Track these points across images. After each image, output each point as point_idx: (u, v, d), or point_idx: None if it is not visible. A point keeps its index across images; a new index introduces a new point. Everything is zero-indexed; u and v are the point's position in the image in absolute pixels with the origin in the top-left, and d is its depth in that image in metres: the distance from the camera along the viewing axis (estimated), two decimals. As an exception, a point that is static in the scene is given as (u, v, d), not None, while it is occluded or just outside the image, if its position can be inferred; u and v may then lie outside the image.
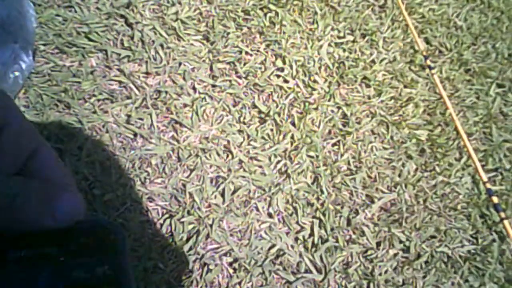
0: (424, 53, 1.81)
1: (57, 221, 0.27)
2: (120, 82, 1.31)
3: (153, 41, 1.41)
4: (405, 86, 1.71)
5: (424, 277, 1.34)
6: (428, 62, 1.78)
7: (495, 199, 1.50)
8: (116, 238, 0.29)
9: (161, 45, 1.41)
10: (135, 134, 1.25)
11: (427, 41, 1.93)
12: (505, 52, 2.05)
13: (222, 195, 1.25)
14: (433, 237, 1.42)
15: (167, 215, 1.19)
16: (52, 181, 0.29)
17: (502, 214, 1.47)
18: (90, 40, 1.34)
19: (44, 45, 1.31)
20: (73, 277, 0.26)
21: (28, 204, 0.26)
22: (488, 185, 1.53)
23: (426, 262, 1.36)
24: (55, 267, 0.27)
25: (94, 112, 1.24)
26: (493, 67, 1.96)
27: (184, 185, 1.23)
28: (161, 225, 1.18)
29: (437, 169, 1.56)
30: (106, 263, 0.28)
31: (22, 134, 0.29)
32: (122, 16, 1.42)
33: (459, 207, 1.51)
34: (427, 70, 1.78)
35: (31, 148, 0.29)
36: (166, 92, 1.33)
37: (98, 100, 1.26)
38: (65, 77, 1.26)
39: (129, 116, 1.27)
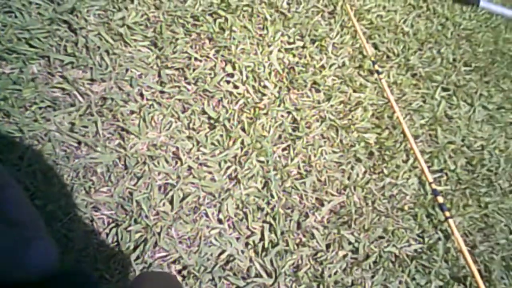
0: (373, 58, 1.86)
1: (29, 273, 0.25)
2: (63, 89, 1.28)
3: (99, 47, 1.38)
4: (354, 91, 1.75)
5: (372, 277, 1.37)
6: (376, 67, 1.83)
7: (440, 199, 1.56)
8: None
9: (107, 51, 1.39)
10: (79, 142, 1.22)
11: (375, 47, 1.98)
12: (450, 57, 2.13)
13: (171, 202, 1.24)
14: (381, 237, 1.45)
15: (113, 224, 1.17)
16: (21, 225, 0.27)
17: (447, 213, 1.53)
18: (32, 46, 1.30)
19: (-18, 51, 1.26)
20: None
21: None
22: (434, 186, 1.59)
23: (374, 262, 1.39)
24: None
25: (36, 121, 1.20)
26: (438, 71, 2.03)
27: (131, 193, 1.21)
28: (107, 234, 1.16)
29: (385, 171, 1.60)
30: None
31: None
32: (65, 21, 1.39)
33: (406, 207, 1.55)
34: (375, 75, 1.83)
35: None
36: (112, 99, 1.31)
37: (40, 108, 1.23)
38: (4, 84, 1.22)
39: (73, 124, 1.23)
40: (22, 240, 0.25)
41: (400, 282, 1.40)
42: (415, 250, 1.48)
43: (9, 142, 1.16)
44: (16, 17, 1.33)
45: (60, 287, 0.27)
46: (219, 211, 1.28)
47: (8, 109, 1.19)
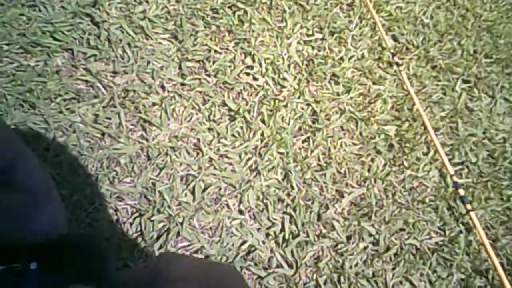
0: (392, 50, 1.84)
1: (37, 236, 0.26)
2: (86, 81, 1.30)
3: (120, 40, 1.40)
4: (374, 83, 1.74)
5: (393, 268, 1.37)
6: (396, 59, 1.82)
7: (461, 192, 1.54)
8: (97, 252, 0.29)
9: (129, 44, 1.40)
10: (103, 134, 1.24)
11: (394, 39, 1.96)
12: (471, 49, 2.10)
13: (193, 193, 1.25)
14: (402, 229, 1.45)
15: (136, 214, 1.18)
16: (32, 192, 0.28)
17: (469, 206, 1.51)
18: (55, 39, 1.32)
19: (7, 44, 1.28)
20: None
21: (9, 218, 0.25)
22: (455, 178, 1.57)
23: (395, 254, 1.39)
24: (37, 283, 0.26)
25: (61, 112, 1.22)
26: (458, 63, 2.01)
27: (153, 184, 1.22)
28: (131, 224, 1.17)
29: (405, 163, 1.59)
30: (91, 274, 0.27)
31: None
32: (88, 15, 1.41)
33: (427, 200, 1.54)
34: (395, 67, 1.82)
35: (8, 159, 0.28)
36: (134, 91, 1.32)
37: (65, 99, 1.25)
38: (30, 77, 1.24)
39: (96, 115, 1.25)
40: (30, 205, 0.27)
41: (421, 275, 1.40)
42: (436, 243, 1.47)
43: (35, 133, 1.18)
44: (40, 10, 1.36)
45: (65, 250, 0.28)
46: (240, 202, 1.29)
47: (33, 100, 1.21)
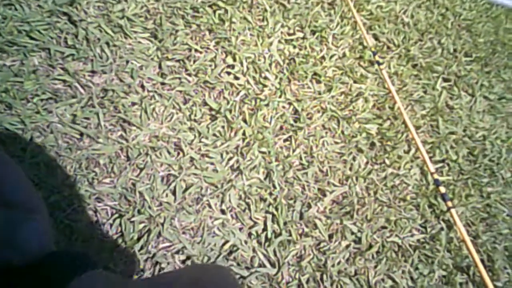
0: (373, 49, 1.85)
1: (23, 255, 0.24)
2: (64, 81, 1.27)
3: (99, 39, 1.38)
4: (355, 82, 1.75)
5: (375, 266, 1.37)
6: (377, 57, 1.83)
7: (442, 189, 1.56)
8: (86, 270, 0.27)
9: (107, 43, 1.38)
10: (82, 134, 1.22)
11: (375, 37, 1.97)
12: (451, 48, 2.13)
13: (174, 193, 1.24)
14: (383, 227, 1.45)
15: (116, 215, 1.17)
16: (17, 206, 0.27)
17: (449, 203, 1.53)
18: (32, 38, 1.29)
19: (-18, 44, 1.25)
20: None
21: None
22: (436, 176, 1.59)
23: (377, 252, 1.39)
24: None
25: (38, 112, 1.20)
26: (439, 62, 2.03)
27: (134, 184, 1.20)
28: (111, 225, 1.16)
29: (387, 161, 1.60)
30: None
31: None
32: (65, 13, 1.38)
33: (408, 197, 1.55)
34: (376, 66, 1.83)
35: None
36: (113, 91, 1.31)
37: (42, 100, 1.22)
38: (5, 76, 1.22)
39: (74, 115, 1.23)
40: (14, 221, 0.25)
41: (403, 272, 1.41)
42: (418, 240, 1.48)
43: (12, 134, 1.16)
44: (16, 9, 1.33)
45: (53, 268, 0.26)
46: (222, 201, 1.28)
47: (10, 101, 1.19)
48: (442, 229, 1.54)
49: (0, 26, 1.29)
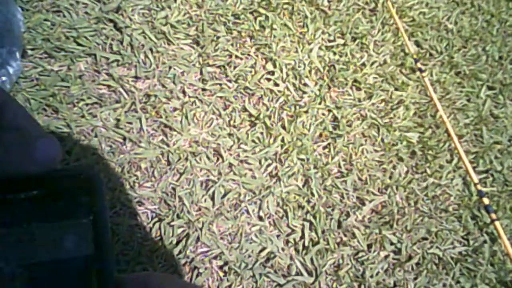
0: (415, 56, 1.82)
1: (38, 165, 0.27)
2: (109, 86, 1.31)
3: (143, 45, 1.41)
4: (396, 89, 1.72)
5: (415, 278, 1.34)
6: (419, 65, 1.79)
7: (486, 201, 1.51)
8: (93, 183, 0.31)
9: (151, 49, 1.41)
10: (124, 138, 1.25)
11: (417, 44, 1.94)
12: (496, 55, 2.06)
13: (212, 198, 1.25)
14: (424, 238, 1.42)
15: (156, 219, 1.19)
16: (26, 130, 0.30)
17: (493, 216, 1.48)
18: (79, 44, 1.34)
19: (32, 49, 1.30)
20: (51, 216, 0.28)
21: (9, 153, 0.27)
22: (479, 187, 1.54)
23: (417, 263, 1.36)
24: (38, 209, 0.28)
25: (83, 117, 1.24)
26: (483, 69, 1.97)
27: (174, 189, 1.22)
28: (151, 228, 1.18)
29: (428, 171, 1.56)
30: (85, 206, 0.29)
31: None
32: (111, 20, 1.42)
33: (450, 208, 1.51)
34: (418, 73, 1.79)
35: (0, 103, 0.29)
36: (156, 96, 1.33)
37: (87, 104, 1.26)
38: (53, 81, 1.26)
39: (118, 120, 1.26)
40: (30, 139, 0.28)
41: (444, 285, 1.37)
42: (460, 253, 1.44)
43: (58, 138, 1.19)
44: (64, 16, 1.38)
45: (64, 180, 0.30)
46: (260, 208, 1.28)
47: (56, 105, 1.23)
48: (485, 241, 1.49)
49: (48, 32, 1.34)
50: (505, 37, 2.16)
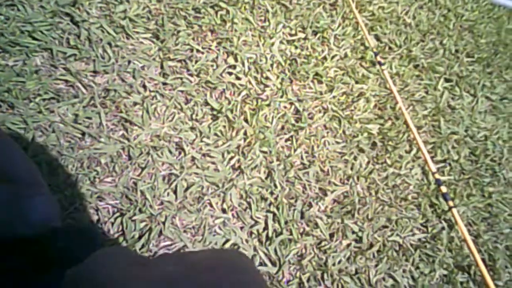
0: (374, 50, 1.85)
1: (31, 227, 0.25)
2: (66, 81, 1.28)
3: (101, 40, 1.39)
4: (356, 82, 1.75)
5: (376, 265, 1.37)
6: (378, 58, 1.83)
7: (443, 189, 1.56)
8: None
9: (109, 44, 1.39)
10: (83, 133, 1.22)
11: (377, 38, 1.98)
12: (452, 48, 2.13)
13: (175, 192, 1.24)
14: (384, 227, 1.45)
15: (118, 214, 1.17)
16: (22, 183, 0.27)
17: (451, 203, 1.53)
18: (34, 39, 1.30)
19: (-15, 44, 1.26)
20: None
21: (1, 211, 0.24)
22: (437, 176, 1.59)
23: (378, 251, 1.39)
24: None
25: (40, 112, 1.21)
26: (440, 62, 2.03)
27: (135, 183, 1.21)
28: (112, 223, 1.16)
29: (388, 161, 1.60)
30: None
31: None
32: (67, 14, 1.39)
33: (409, 197, 1.56)
34: (378, 66, 1.83)
35: None
36: (115, 91, 1.31)
37: (44, 99, 1.23)
38: (8, 76, 1.23)
39: (76, 115, 1.24)
40: (23, 196, 0.26)
41: (404, 271, 1.41)
42: (419, 240, 1.48)
43: (14, 134, 1.16)
44: (18, 10, 1.34)
45: (60, 242, 0.28)
46: (223, 201, 1.29)
47: (12, 100, 1.20)
48: (443, 228, 1.54)
49: (2, 26, 1.30)
50: (461, 31, 2.23)
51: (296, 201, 1.38)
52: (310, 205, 1.39)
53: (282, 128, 1.51)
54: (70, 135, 1.21)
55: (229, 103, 1.46)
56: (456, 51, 2.13)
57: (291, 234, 1.31)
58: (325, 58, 1.75)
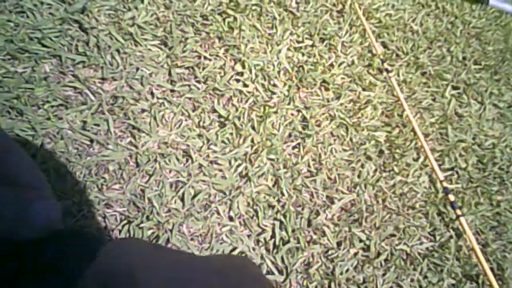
0: (382, 57, 1.85)
1: (31, 230, 0.25)
2: (75, 88, 1.29)
3: (109, 46, 1.40)
4: (364, 89, 1.75)
5: (384, 274, 1.36)
6: (386, 65, 1.83)
7: (451, 197, 1.55)
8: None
9: (118, 51, 1.40)
10: (91, 140, 1.23)
11: (384, 45, 1.98)
12: (460, 55, 2.12)
13: (182, 199, 1.24)
14: (392, 235, 1.45)
15: (125, 221, 1.17)
16: (25, 186, 0.28)
17: (458, 211, 1.52)
18: (43, 46, 1.31)
19: (-5, 51, 1.27)
20: None
21: (2, 213, 0.25)
22: (445, 184, 1.58)
23: (385, 260, 1.39)
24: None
25: (48, 119, 1.21)
26: (448, 70, 2.03)
27: (142, 191, 1.21)
28: (120, 231, 1.16)
29: (396, 169, 1.59)
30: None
31: None
32: (76, 21, 1.40)
33: (417, 205, 1.55)
34: (385, 73, 1.83)
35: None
36: (123, 98, 1.32)
37: (52, 106, 1.24)
38: (17, 83, 1.23)
39: (84, 122, 1.24)
40: (25, 199, 0.26)
41: (412, 280, 1.40)
42: (427, 248, 1.47)
43: (23, 140, 1.17)
44: (28, 17, 1.35)
45: (62, 244, 0.28)
46: (230, 208, 1.29)
47: (21, 107, 1.20)
48: (451, 237, 1.52)
49: (12, 33, 1.31)
50: (468, 38, 2.23)
51: (303, 209, 1.38)
52: (318, 213, 1.39)
53: (289, 135, 1.51)
54: (78, 142, 1.22)
55: (237, 110, 1.46)
56: (464, 58, 2.13)
57: (298, 242, 1.31)
58: (332, 65, 1.75)
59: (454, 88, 1.98)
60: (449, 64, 2.05)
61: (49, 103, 1.23)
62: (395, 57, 1.95)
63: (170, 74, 1.44)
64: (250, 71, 1.57)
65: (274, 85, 1.58)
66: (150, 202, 1.20)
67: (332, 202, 1.43)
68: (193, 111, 1.41)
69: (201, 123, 1.39)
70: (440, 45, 2.11)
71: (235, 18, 1.66)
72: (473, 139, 1.85)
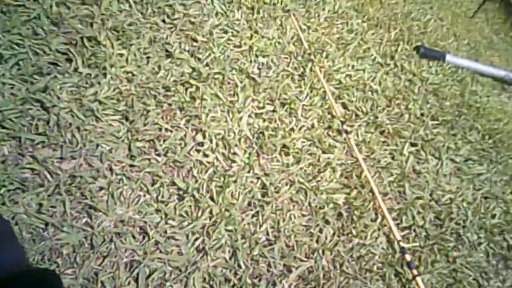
0: (341, 118, 1.93)
1: (4, 270, 0.30)
2: (32, 169, 1.31)
3: (70, 124, 1.43)
4: (323, 152, 1.81)
5: None
6: (345, 126, 1.90)
7: (408, 257, 1.60)
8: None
9: (78, 128, 1.43)
10: (47, 224, 1.25)
11: (344, 106, 2.05)
12: (418, 112, 2.21)
13: (136, 280, 1.26)
14: (348, 302, 1.48)
15: (77, 307, 1.19)
16: None
17: (415, 271, 1.57)
18: (3, 127, 1.34)
19: (-46, 134, 1.30)
20: None
21: None
22: (402, 244, 1.63)
23: (342, 329, 1.42)
24: None
25: (4, 204, 1.23)
26: (406, 127, 2.11)
27: (96, 274, 1.22)
28: (72, 317, 1.17)
29: (354, 231, 1.64)
30: None
31: None
32: (38, 100, 1.44)
33: (374, 268, 1.59)
34: (344, 135, 1.89)
35: None
36: (81, 177, 1.35)
37: (9, 190, 1.25)
38: (-26, 168, 1.26)
39: (40, 205, 1.26)
40: None
41: None
42: (383, 313, 1.51)
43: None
44: (-12, 113, 1.37)
45: (26, 283, 0.32)
46: (186, 286, 1.30)
47: (-24, 193, 1.22)
48: (408, 299, 1.57)
49: (-27, 115, 1.34)
50: (426, 95, 2.33)
51: (260, 280, 1.41)
52: (274, 284, 1.42)
53: (249, 204, 1.55)
54: (33, 226, 1.23)
55: (196, 181, 1.50)
56: (422, 114, 2.21)
57: (254, 316, 1.33)
58: (292, 129, 1.81)
59: (412, 145, 2.06)
60: (407, 121, 2.14)
61: (6, 187, 1.25)
62: (355, 117, 2.03)
63: (130, 149, 1.48)
64: (211, 140, 1.61)
65: (234, 153, 1.63)
66: (103, 285, 1.21)
67: (290, 271, 1.46)
68: (152, 185, 1.44)
69: (159, 198, 1.42)
70: (399, 103, 2.20)
71: (197, 88, 1.72)
72: (431, 195, 1.92)
